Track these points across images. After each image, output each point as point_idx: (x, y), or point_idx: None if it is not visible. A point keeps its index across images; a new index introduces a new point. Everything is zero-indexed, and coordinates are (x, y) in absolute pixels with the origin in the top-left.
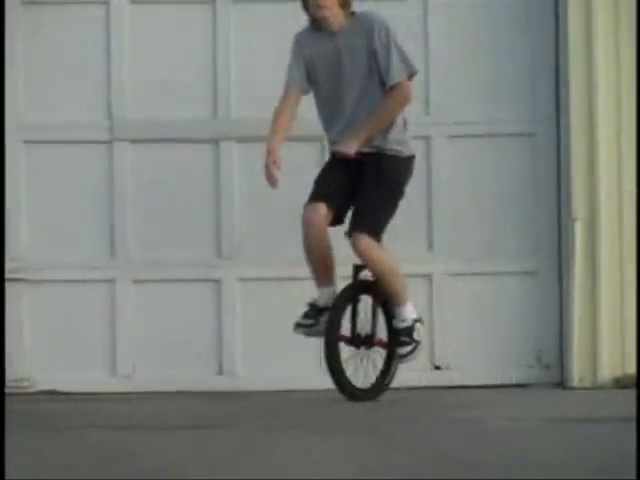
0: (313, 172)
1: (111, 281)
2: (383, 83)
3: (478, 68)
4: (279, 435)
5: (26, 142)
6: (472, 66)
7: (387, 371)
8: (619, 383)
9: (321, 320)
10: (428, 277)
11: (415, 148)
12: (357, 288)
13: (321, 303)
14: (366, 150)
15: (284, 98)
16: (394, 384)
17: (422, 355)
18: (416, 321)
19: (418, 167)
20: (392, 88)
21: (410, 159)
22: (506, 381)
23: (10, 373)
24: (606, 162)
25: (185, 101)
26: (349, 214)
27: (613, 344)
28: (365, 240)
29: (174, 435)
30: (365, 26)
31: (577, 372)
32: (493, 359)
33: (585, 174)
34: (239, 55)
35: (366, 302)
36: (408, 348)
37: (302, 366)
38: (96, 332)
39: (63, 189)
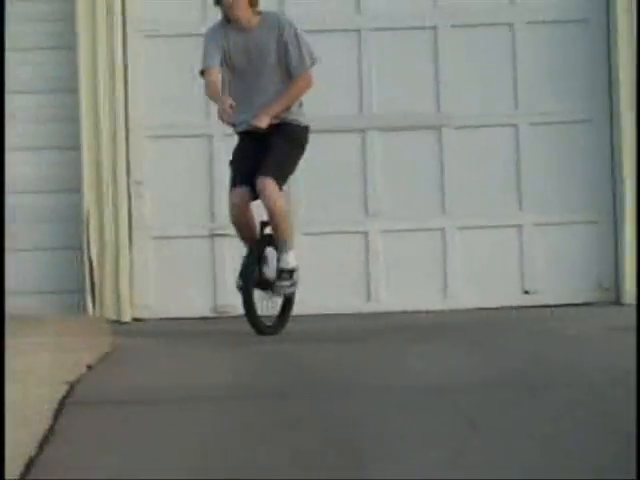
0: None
1: None
2: (288, 70)
3: (551, 75)
4: (407, 345)
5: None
6: (548, 74)
7: (284, 311)
8: None
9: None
10: (519, 227)
11: (496, 135)
12: (263, 242)
13: None
14: (273, 122)
15: (209, 81)
16: (494, 304)
17: (514, 282)
18: (295, 269)
19: (508, 147)
20: (300, 76)
21: (307, 128)
22: (576, 301)
23: (219, 300)
24: None
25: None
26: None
27: None
28: (271, 183)
29: (327, 346)
30: (273, 24)
31: (628, 293)
32: (566, 285)
33: (631, 148)
34: None
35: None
36: (287, 283)
37: (424, 291)
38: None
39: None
